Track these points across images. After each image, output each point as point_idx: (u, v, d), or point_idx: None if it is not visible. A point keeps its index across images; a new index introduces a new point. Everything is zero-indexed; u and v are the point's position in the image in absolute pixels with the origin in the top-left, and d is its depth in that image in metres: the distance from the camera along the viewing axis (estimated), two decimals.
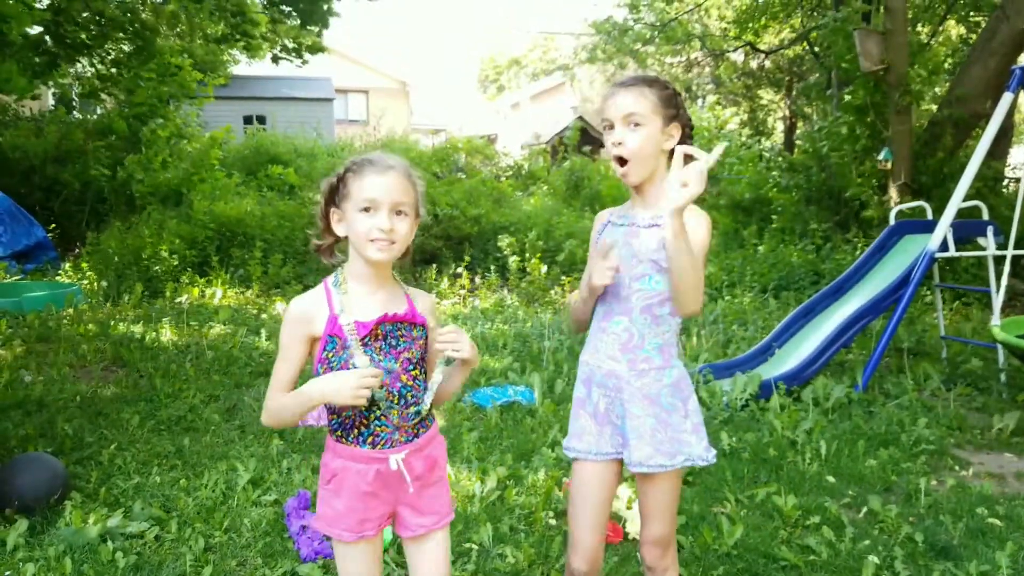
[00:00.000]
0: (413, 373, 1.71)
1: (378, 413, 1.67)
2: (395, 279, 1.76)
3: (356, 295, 1.67)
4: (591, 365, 1.95)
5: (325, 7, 9.55)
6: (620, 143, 1.81)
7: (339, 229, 1.68)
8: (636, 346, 1.87)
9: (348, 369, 1.62)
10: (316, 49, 10.08)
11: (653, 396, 1.87)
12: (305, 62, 10.18)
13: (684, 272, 1.73)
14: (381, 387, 1.64)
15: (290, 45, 10.04)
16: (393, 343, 1.67)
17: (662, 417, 1.87)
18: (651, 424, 1.86)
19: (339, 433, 1.69)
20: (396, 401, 1.68)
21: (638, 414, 1.87)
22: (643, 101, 1.82)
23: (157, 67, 8.78)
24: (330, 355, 1.64)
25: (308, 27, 9.84)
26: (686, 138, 1.87)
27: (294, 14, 9.57)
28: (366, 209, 1.61)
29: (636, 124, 1.81)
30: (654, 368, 1.87)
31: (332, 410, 1.70)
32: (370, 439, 1.67)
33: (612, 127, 1.84)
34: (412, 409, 1.70)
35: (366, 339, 1.64)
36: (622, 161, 1.83)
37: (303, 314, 1.66)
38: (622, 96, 1.83)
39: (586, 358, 1.97)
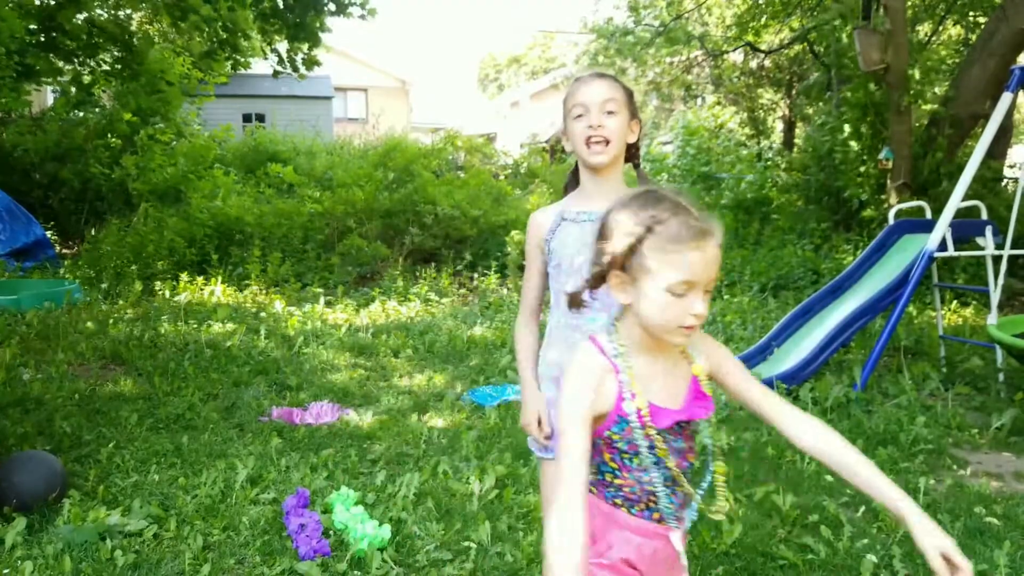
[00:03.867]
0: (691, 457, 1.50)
1: (667, 491, 1.47)
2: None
3: (638, 368, 1.41)
4: (562, 364, 1.88)
5: (317, 24, 9.46)
6: (601, 126, 1.81)
7: (623, 294, 1.40)
8: None
9: (636, 450, 1.42)
10: (311, 63, 10.00)
11: None
12: (302, 76, 10.10)
13: None
14: (668, 466, 1.44)
15: (284, 56, 9.96)
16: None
17: None
18: None
19: (619, 503, 1.47)
20: (680, 480, 1.47)
21: None
22: (618, 92, 1.85)
23: (144, 84, 8.74)
24: (615, 435, 1.41)
25: (297, 43, 9.77)
26: (639, 138, 1.94)
27: (285, 28, 9.49)
28: (678, 294, 1.32)
29: (611, 112, 1.83)
30: None
31: (607, 481, 1.48)
32: (656, 515, 1.47)
33: (585, 113, 1.83)
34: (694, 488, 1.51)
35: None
36: (604, 142, 1.82)
37: (592, 376, 1.39)
38: (598, 84, 1.85)
39: (556, 357, 1.92)
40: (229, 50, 9.27)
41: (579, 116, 1.84)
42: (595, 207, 1.88)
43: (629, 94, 1.89)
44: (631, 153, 1.94)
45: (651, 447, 1.41)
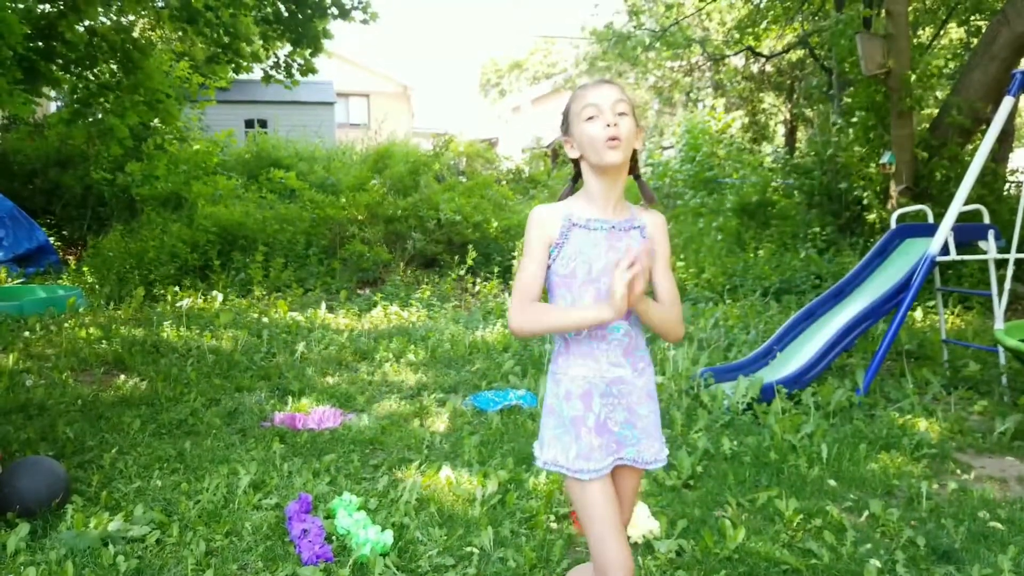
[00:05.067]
0: None
1: None
2: None
3: None
4: (590, 378, 1.85)
5: (320, 28, 9.45)
6: (616, 124, 1.79)
7: None
8: (635, 347, 1.90)
9: None
10: (308, 70, 9.97)
11: (651, 392, 1.93)
12: (295, 82, 10.06)
13: (661, 324, 1.88)
14: None
15: (282, 62, 9.93)
16: None
17: (656, 410, 1.94)
18: (654, 420, 1.92)
19: None
20: None
21: (645, 413, 1.90)
22: (626, 97, 1.86)
23: (144, 95, 8.73)
24: None
25: (300, 49, 9.76)
26: (640, 148, 1.95)
27: (287, 34, 9.47)
28: None
29: (622, 113, 1.82)
30: (647, 364, 1.93)
31: None
32: None
33: (598, 114, 1.81)
34: None
35: None
36: (616, 142, 1.79)
37: None
38: (609, 88, 1.85)
39: (582, 372, 1.85)
40: (231, 55, 9.27)
41: (591, 117, 1.81)
42: (607, 215, 1.86)
43: (633, 104, 1.90)
44: (632, 163, 1.92)
45: None
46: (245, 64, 9.69)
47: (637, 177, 1.98)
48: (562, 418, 1.87)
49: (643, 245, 1.86)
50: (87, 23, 7.94)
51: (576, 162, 1.93)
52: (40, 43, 7.45)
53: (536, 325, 1.85)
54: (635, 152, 1.91)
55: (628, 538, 2.90)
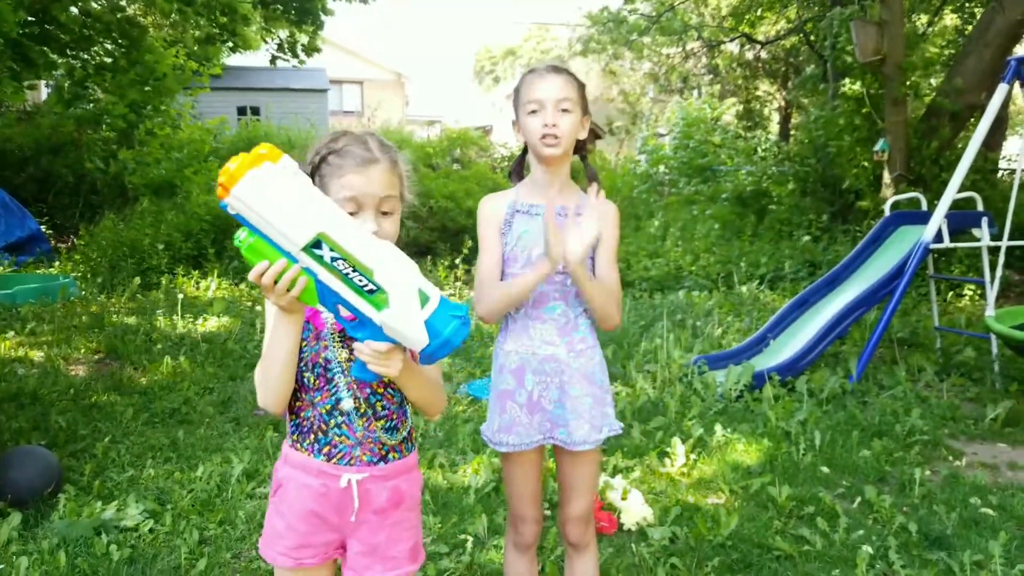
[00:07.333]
0: (388, 382, 1.46)
1: (339, 419, 1.45)
2: None
3: None
4: (523, 353, 1.92)
5: (320, 5, 9.42)
6: (555, 124, 1.84)
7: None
8: (572, 328, 1.93)
9: (319, 363, 1.45)
10: (311, 49, 9.93)
11: (590, 375, 1.93)
12: (302, 62, 10.04)
13: (596, 299, 1.87)
14: (348, 390, 1.45)
15: (284, 41, 9.89)
16: None
17: (596, 394, 1.94)
18: (588, 403, 1.92)
19: (295, 437, 1.49)
20: (363, 410, 1.46)
21: (577, 395, 1.91)
22: (572, 89, 1.88)
23: (142, 74, 8.65)
24: (302, 344, 1.44)
25: (302, 27, 9.72)
26: (589, 134, 1.98)
27: (288, 14, 9.43)
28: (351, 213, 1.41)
29: (565, 110, 1.86)
30: (588, 347, 1.94)
31: (291, 409, 1.50)
32: (326, 449, 1.46)
33: (540, 110, 1.85)
34: (381, 424, 1.48)
35: (344, 334, 1.44)
36: (554, 139, 1.85)
37: None
38: (553, 80, 1.87)
39: (515, 347, 1.94)
40: (228, 35, 9.21)
41: (534, 112, 1.87)
42: (548, 200, 1.89)
43: (582, 89, 1.92)
44: (579, 146, 1.97)
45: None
46: (242, 43, 9.64)
47: (583, 158, 2.04)
48: (495, 391, 1.97)
49: (577, 219, 1.85)
50: (80, 5, 7.87)
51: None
52: (34, 28, 7.38)
53: (499, 303, 1.90)
54: (584, 140, 1.96)
55: (629, 526, 2.92)
